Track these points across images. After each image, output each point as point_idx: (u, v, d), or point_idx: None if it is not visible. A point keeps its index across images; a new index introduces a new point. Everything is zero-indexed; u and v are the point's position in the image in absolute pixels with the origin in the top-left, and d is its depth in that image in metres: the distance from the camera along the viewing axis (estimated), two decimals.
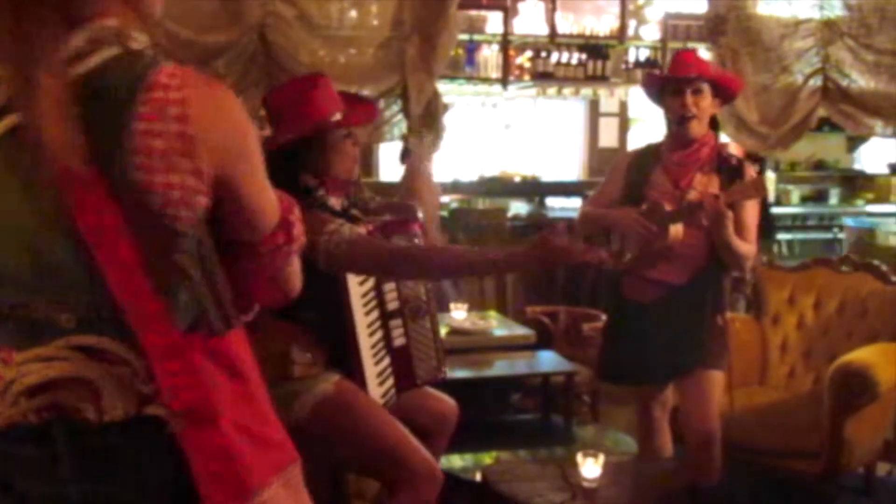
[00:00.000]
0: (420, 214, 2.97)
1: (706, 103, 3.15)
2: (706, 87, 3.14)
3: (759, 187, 3.07)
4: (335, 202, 2.66)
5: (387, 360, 2.81)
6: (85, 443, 1.24)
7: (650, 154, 3.33)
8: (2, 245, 1.23)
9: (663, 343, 3.20)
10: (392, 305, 2.81)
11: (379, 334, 2.78)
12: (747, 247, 3.15)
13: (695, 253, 3.17)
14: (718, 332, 3.22)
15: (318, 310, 2.58)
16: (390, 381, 2.81)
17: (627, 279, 3.34)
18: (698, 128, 3.15)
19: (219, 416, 1.24)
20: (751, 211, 3.18)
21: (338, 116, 2.67)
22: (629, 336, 3.34)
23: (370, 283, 2.75)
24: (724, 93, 3.23)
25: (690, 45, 7.13)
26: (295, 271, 1.47)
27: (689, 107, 3.12)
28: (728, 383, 3.28)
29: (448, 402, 2.99)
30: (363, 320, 2.72)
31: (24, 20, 1.18)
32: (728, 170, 3.15)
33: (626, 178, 3.33)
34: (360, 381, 2.71)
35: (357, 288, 2.71)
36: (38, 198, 1.20)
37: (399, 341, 2.83)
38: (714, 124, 3.26)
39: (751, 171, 3.22)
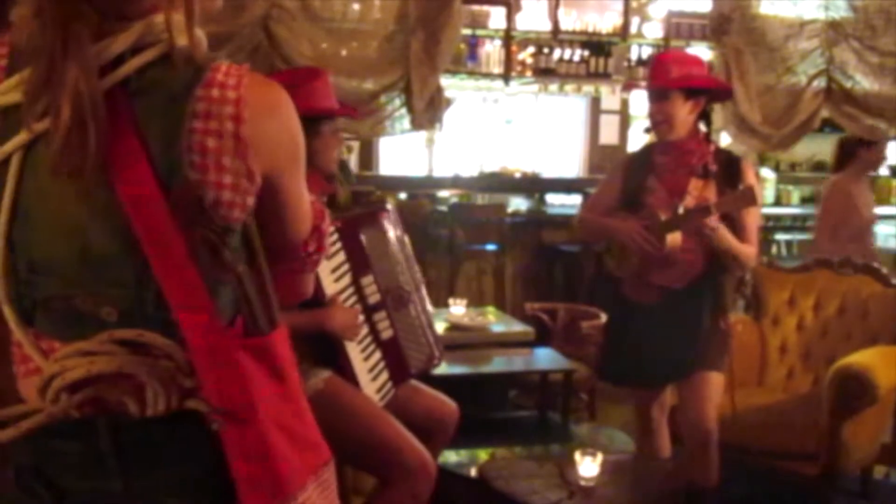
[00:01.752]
0: (389, 206, 2.95)
1: (674, 108, 3.14)
2: (674, 94, 3.14)
3: (750, 197, 3.05)
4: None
5: (377, 355, 2.80)
6: (127, 437, 1.23)
7: (644, 158, 3.35)
8: (51, 236, 1.21)
9: (663, 345, 3.21)
10: (373, 299, 2.80)
11: (364, 330, 2.77)
12: (749, 249, 3.15)
13: (693, 258, 3.17)
14: (720, 333, 3.22)
15: (299, 308, 2.60)
16: (384, 376, 2.80)
17: (628, 280, 3.35)
18: (670, 133, 3.17)
19: (259, 416, 1.23)
20: (751, 213, 3.18)
21: (334, 106, 2.72)
22: (629, 337, 3.34)
23: (346, 279, 2.74)
24: (710, 95, 3.23)
25: (694, 43, 7.13)
26: (312, 280, 1.51)
27: (653, 114, 3.18)
28: (729, 385, 3.28)
29: (449, 404, 3.00)
30: None
31: (65, 17, 1.15)
32: (725, 174, 3.15)
33: (622, 183, 3.35)
34: (352, 379, 2.70)
35: (333, 285, 2.71)
36: (88, 191, 1.19)
37: (386, 334, 2.83)
38: (706, 126, 3.26)
39: (749, 172, 3.21)
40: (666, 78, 3.17)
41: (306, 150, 2.61)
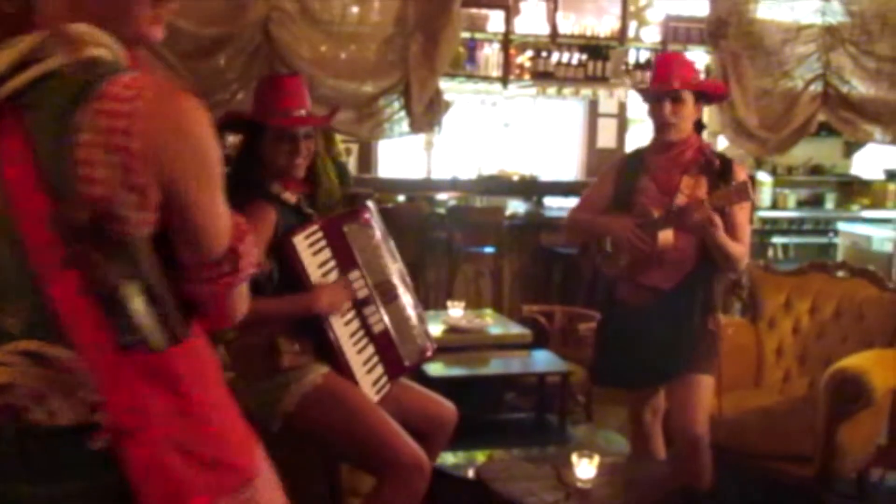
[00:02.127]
0: (371, 204, 2.98)
1: (687, 111, 3.17)
2: (687, 95, 3.16)
3: (743, 192, 3.06)
4: (290, 196, 2.75)
5: (371, 349, 2.82)
6: (35, 445, 1.24)
7: (636, 159, 3.36)
8: None
9: (653, 347, 3.21)
10: (362, 293, 2.83)
11: (356, 324, 2.81)
12: (739, 248, 3.16)
13: (684, 257, 3.19)
14: (709, 335, 3.24)
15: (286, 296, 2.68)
16: (379, 369, 2.83)
17: (620, 282, 3.36)
18: (676, 134, 3.19)
19: (149, 434, 1.23)
20: (742, 211, 3.19)
21: (290, 114, 2.74)
22: (619, 339, 3.35)
23: (334, 275, 2.77)
24: (707, 97, 3.27)
25: (691, 47, 7.15)
26: (240, 296, 1.41)
27: (667, 116, 3.16)
28: (717, 387, 3.29)
29: (448, 406, 3.01)
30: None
31: None
32: (715, 171, 3.16)
33: (614, 184, 3.36)
34: (348, 373, 2.74)
35: (321, 280, 2.75)
36: None
37: (378, 327, 2.85)
38: (698, 126, 3.29)
39: (740, 172, 3.22)
40: (683, 80, 3.18)
41: (274, 161, 2.68)
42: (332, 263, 2.77)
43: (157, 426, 1.24)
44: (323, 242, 2.76)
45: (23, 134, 1.17)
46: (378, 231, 2.92)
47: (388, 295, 2.89)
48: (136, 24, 1.29)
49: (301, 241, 2.70)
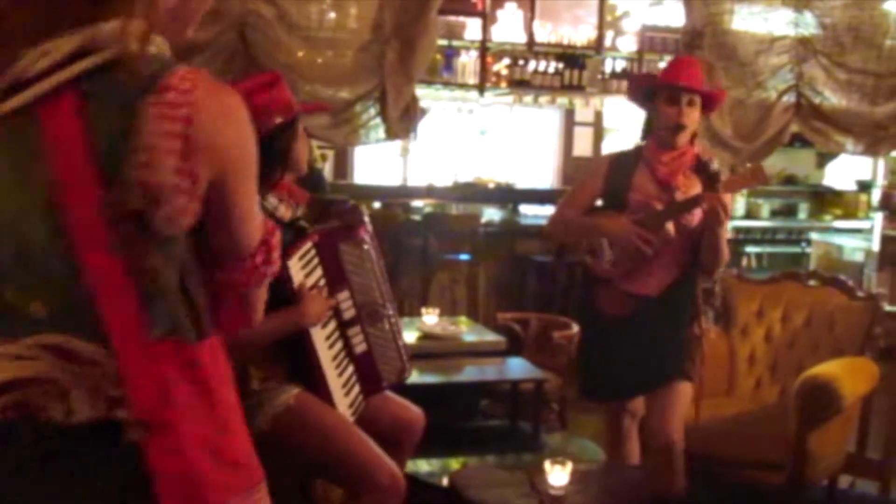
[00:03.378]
0: (366, 218, 2.89)
1: (696, 115, 3.17)
2: (698, 100, 3.16)
3: (759, 176, 3.04)
4: (285, 212, 2.65)
5: (350, 369, 2.78)
6: (50, 443, 1.22)
7: (632, 157, 3.31)
8: None
9: (640, 357, 3.21)
10: (349, 314, 2.77)
11: (339, 345, 2.75)
12: (727, 250, 3.18)
13: (669, 263, 3.19)
14: (694, 341, 3.24)
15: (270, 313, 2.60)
16: (356, 389, 2.79)
17: (602, 292, 3.33)
18: (685, 138, 3.17)
19: (178, 429, 1.23)
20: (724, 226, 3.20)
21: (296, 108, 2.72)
22: (607, 351, 3.32)
23: (322, 294, 2.71)
24: (708, 105, 3.26)
25: (666, 57, 7.19)
26: (263, 299, 1.46)
27: (683, 116, 3.12)
28: (696, 394, 3.31)
29: (414, 410, 2.99)
30: (320, 333, 2.69)
31: (7, 22, 1.18)
32: (707, 174, 3.13)
33: (606, 181, 3.31)
34: (325, 394, 2.68)
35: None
36: (27, 184, 1.20)
37: (360, 348, 2.81)
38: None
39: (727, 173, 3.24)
40: (704, 83, 3.17)
41: (288, 155, 2.64)
42: (322, 282, 2.70)
43: (186, 421, 1.24)
44: (316, 261, 2.69)
45: (80, 119, 1.18)
46: (371, 248, 2.85)
47: (373, 316, 2.83)
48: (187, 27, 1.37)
49: (295, 264, 2.63)
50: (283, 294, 2.58)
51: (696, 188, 3.15)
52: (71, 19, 1.20)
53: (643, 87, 3.28)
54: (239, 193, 1.31)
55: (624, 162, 3.32)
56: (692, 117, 3.15)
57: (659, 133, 3.21)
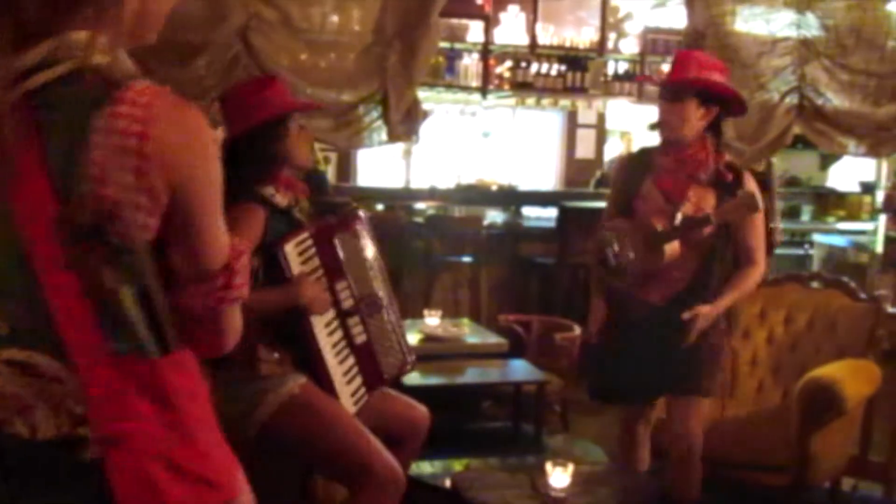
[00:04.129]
0: (362, 213, 2.97)
1: (686, 112, 3.03)
2: (687, 97, 3.03)
3: (751, 203, 2.97)
4: (281, 199, 2.74)
5: (351, 359, 2.82)
6: (15, 458, 1.22)
7: (641, 160, 3.28)
8: None
9: (653, 362, 3.17)
10: (347, 304, 2.82)
11: (339, 334, 2.81)
12: (749, 282, 3.18)
13: (679, 274, 3.15)
14: (713, 349, 3.19)
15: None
16: (358, 380, 2.82)
17: (615, 296, 3.31)
18: (670, 133, 3.09)
19: (137, 445, 1.23)
20: (752, 231, 3.13)
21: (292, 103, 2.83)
22: (618, 354, 3.29)
23: (321, 284, 2.77)
24: (717, 101, 3.09)
25: (668, 59, 7.20)
26: (232, 328, 1.38)
27: (662, 112, 3.11)
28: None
29: (420, 409, 3.01)
30: (320, 321, 2.75)
31: None
32: (724, 184, 3.10)
33: (618, 186, 3.31)
34: (328, 383, 2.73)
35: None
36: None
37: (360, 338, 2.85)
38: (716, 137, 3.15)
39: (750, 182, 3.13)
40: (683, 77, 3.07)
41: (279, 152, 2.69)
42: (319, 272, 2.76)
43: (146, 438, 1.23)
44: (312, 251, 2.75)
45: (36, 133, 1.18)
46: (368, 241, 2.92)
47: (372, 307, 2.88)
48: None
49: (291, 250, 2.70)
50: (281, 279, 2.66)
51: (710, 200, 3.10)
52: (39, 30, 1.20)
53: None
54: (199, 213, 1.27)
55: (633, 165, 3.30)
56: (677, 113, 3.04)
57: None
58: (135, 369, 1.23)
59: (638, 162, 3.31)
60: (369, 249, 2.91)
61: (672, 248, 3.07)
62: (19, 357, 1.21)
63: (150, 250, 1.24)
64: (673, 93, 3.07)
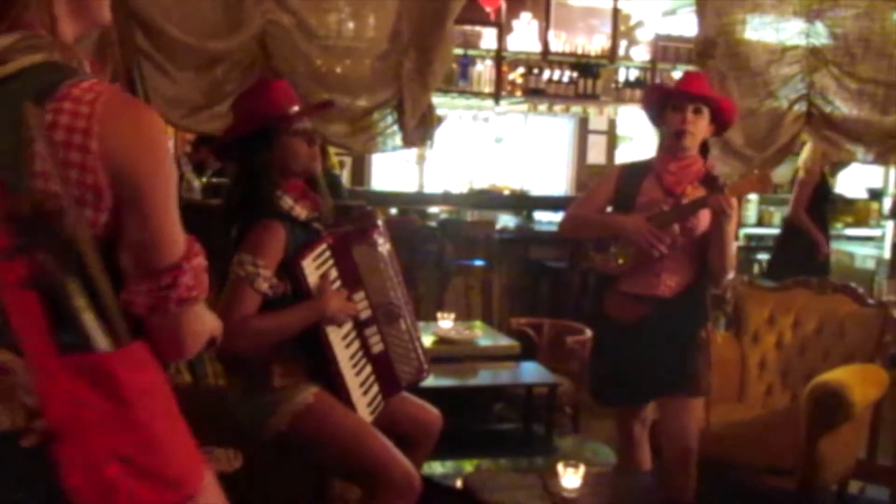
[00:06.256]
0: (380, 221, 2.92)
1: (703, 124, 3.20)
2: (706, 110, 3.20)
3: (764, 181, 3.10)
4: (300, 211, 2.70)
5: (368, 369, 2.81)
6: None
7: (642, 166, 3.36)
8: None
9: (651, 363, 3.23)
10: (365, 314, 2.80)
11: (356, 345, 2.79)
12: (733, 254, 3.22)
13: (676, 267, 3.22)
14: (703, 346, 3.27)
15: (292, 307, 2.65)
16: (375, 389, 2.82)
17: (610, 297, 3.36)
18: (691, 142, 3.21)
19: (89, 441, 1.21)
20: (731, 225, 3.20)
21: (293, 110, 2.73)
22: (617, 357, 3.34)
23: (343, 294, 2.75)
24: (719, 120, 3.27)
25: (679, 67, 7.25)
26: (192, 332, 1.34)
27: (687, 122, 3.18)
28: (707, 399, 3.35)
29: (432, 411, 3.01)
30: (337, 333, 2.73)
31: None
32: (714, 187, 3.18)
33: (616, 186, 3.36)
34: (344, 393, 2.72)
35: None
36: None
37: (377, 348, 2.83)
38: (704, 148, 3.31)
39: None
40: (710, 93, 3.24)
41: (272, 161, 2.65)
42: (337, 284, 2.73)
43: (95, 431, 1.21)
44: (330, 262, 2.73)
45: None
46: (385, 250, 2.87)
47: (389, 316, 2.85)
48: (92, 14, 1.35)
49: (309, 265, 2.67)
50: (301, 293, 2.65)
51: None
52: None
53: (655, 99, 3.34)
54: (148, 210, 1.26)
55: (635, 170, 3.38)
56: (698, 125, 3.19)
57: (666, 142, 3.28)
58: (84, 364, 1.22)
59: (638, 168, 3.38)
60: (387, 257, 2.87)
61: (673, 229, 3.16)
62: None
63: (96, 245, 1.24)
64: (696, 108, 3.20)
